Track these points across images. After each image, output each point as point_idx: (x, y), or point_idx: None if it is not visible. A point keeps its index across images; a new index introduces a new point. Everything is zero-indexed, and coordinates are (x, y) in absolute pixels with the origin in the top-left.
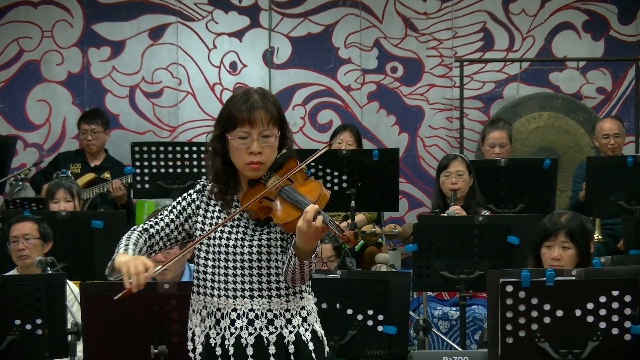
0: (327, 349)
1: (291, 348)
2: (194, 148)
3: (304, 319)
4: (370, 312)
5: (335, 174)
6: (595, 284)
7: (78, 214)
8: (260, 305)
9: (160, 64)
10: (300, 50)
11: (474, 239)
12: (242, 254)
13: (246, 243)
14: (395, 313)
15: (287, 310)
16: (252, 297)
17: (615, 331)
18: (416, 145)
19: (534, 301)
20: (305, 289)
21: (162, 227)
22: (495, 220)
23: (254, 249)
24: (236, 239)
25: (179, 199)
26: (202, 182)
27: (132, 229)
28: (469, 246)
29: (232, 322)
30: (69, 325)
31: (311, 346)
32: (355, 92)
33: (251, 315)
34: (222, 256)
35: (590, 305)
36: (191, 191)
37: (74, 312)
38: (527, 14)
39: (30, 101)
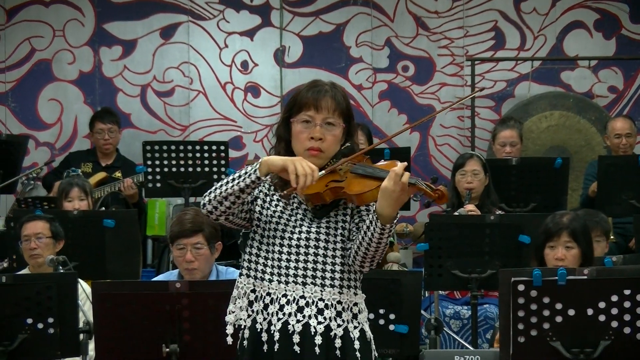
0: (374, 353)
1: (338, 342)
2: (206, 147)
3: (355, 316)
4: (381, 311)
5: None
6: (607, 283)
7: (89, 212)
8: (312, 293)
9: (172, 63)
10: (312, 49)
11: (486, 238)
12: (298, 239)
13: (304, 229)
14: (406, 312)
15: (339, 302)
16: (304, 284)
17: (627, 330)
18: (427, 144)
19: (546, 300)
20: (359, 286)
21: None
22: (507, 219)
23: (312, 235)
24: (294, 226)
25: None
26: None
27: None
28: (481, 245)
29: (281, 307)
30: (81, 324)
31: (357, 345)
32: (367, 91)
33: (302, 302)
34: (277, 240)
35: (602, 304)
36: None
37: (86, 310)
38: (538, 12)
39: (41, 100)
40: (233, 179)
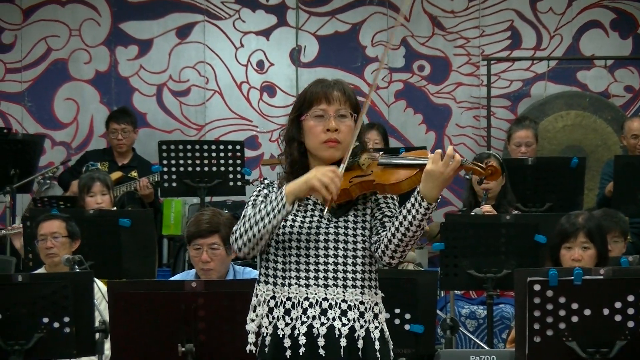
0: (392, 354)
1: (360, 343)
2: (221, 146)
3: (375, 316)
4: (397, 311)
5: None
6: (623, 282)
7: (105, 212)
8: (334, 295)
9: (188, 62)
10: (327, 49)
11: (501, 237)
12: (317, 241)
13: (322, 231)
14: (422, 312)
15: (362, 302)
16: (326, 286)
17: None
18: (443, 143)
19: (562, 300)
20: (378, 286)
21: None
22: (523, 219)
23: (331, 237)
24: (310, 228)
25: (255, 194)
26: (267, 181)
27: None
28: (496, 245)
29: (304, 311)
30: (97, 323)
31: (377, 345)
32: (382, 91)
33: (325, 304)
34: (294, 244)
35: (618, 304)
36: (261, 187)
37: (102, 310)
38: (554, 12)
39: (58, 100)
40: (262, 218)
